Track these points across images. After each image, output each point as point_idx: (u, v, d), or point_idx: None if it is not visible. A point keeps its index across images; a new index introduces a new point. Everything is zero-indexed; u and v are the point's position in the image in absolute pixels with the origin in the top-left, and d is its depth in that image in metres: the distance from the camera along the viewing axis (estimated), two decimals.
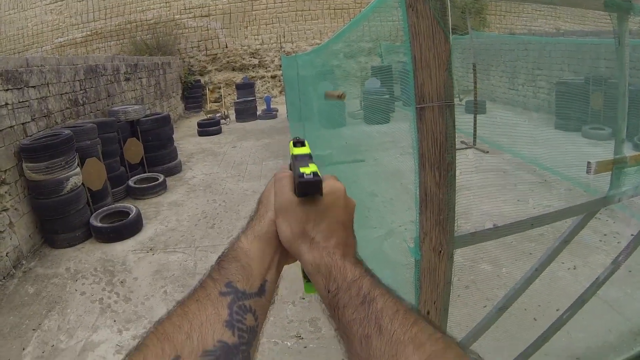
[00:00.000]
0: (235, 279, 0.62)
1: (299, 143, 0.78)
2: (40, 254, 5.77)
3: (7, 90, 5.69)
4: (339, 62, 14.77)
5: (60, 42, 19.56)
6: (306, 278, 0.68)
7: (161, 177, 8.11)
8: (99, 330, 3.97)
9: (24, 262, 5.51)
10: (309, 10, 19.11)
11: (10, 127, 5.69)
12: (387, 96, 10.76)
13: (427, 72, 1.60)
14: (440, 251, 1.79)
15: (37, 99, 6.44)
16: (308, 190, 0.66)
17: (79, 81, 8.11)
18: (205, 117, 14.67)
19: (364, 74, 15.59)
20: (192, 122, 15.24)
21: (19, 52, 19.38)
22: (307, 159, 0.73)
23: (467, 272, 4.07)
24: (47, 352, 3.76)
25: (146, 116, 9.26)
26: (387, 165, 7.58)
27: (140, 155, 8.58)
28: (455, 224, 1.79)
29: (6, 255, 5.22)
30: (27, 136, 6.03)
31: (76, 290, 4.74)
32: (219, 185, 8.05)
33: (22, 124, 5.99)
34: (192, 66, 18.84)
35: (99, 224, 6.01)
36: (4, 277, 5.10)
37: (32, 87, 6.34)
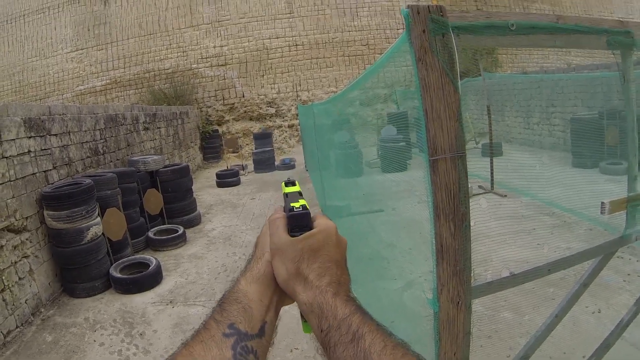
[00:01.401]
0: (237, 321, 0.68)
1: (290, 183, 0.88)
2: (59, 302, 5.92)
3: (30, 137, 6.02)
4: (355, 109, 15.03)
5: (81, 90, 20.43)
6: (304, 318, 0.74)
7: (181, 229, 8.28)
8: None
9: (42, 310, 5.66)
10: (324, 57, 19.73)
11: (33, 174, 5.97)
12: (403, 143, 10.88)
13: (439, 123, 1.67)
14: (458, 302, 1.83)
15: (58, 147, 6.76)
16: (298, 222, 0.75)
17: (100, 130, 8.47)
18: (225, 168, 14.98)
19: (380, 122, 15.80)
20: (210, 173, 15.62)
21: (40, 99, 20.28)
22: (297, 195, 0.82)
23: (488, 322, 4.07)
24: None
25: (165, 167, 9.57)
26: (404, 214, 7.62)
27: (160, 206, 8.79)
28: (472, 274, 1.86)
29: (25, 302, 5.38)
30: (48, 184, 6.30)
31: (95, 340, 4.85)
32: (239, 237, 8.17)
33: (44, 171, 6.28)
34: (209, 116, 19.38)
35: (119, 275, 6.16)
36: (22, 324, 5.24)
37: (54, 135, 6.67)
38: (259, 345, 0.68)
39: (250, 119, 19.55)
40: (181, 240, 8.10)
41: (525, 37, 1.86)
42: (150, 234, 8.05)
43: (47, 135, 6.49)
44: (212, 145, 18.72)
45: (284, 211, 0.80)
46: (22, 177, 5.74)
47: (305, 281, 0.71)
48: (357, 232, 5.82)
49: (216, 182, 13.81)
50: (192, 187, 10.00)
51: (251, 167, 15.99)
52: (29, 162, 5.94)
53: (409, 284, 5.05)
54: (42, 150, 6.28)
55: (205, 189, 13.32)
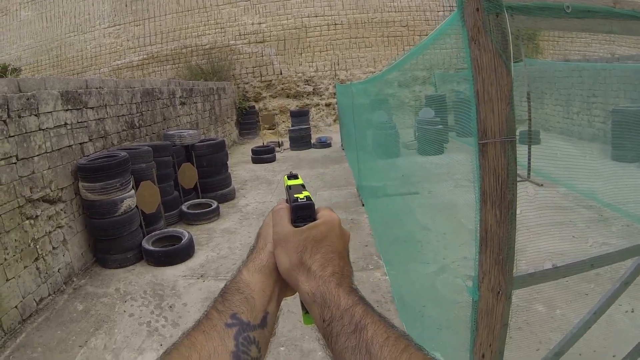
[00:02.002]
0: (240, 311, 0.67)
1: (292, 176, 0.86)
2: (91, 272, 6.02)
3: (66, 110, 6.06)
4: (393, 90, 14.85)
5: (118, 64, 20.71)
6: (305, 309, 0.72)
7: (215, 204, 8.30)
8: (144, 352, 4.07)
9: (74, 279, 5.76)
10: (363, 37, 19.46)
11: (69, 146, 6.03)
12: (440, 126, 10.71)
13: (490, 106, 1.62)
14: (499, 292, 1.79)
15: (95, 120, 6.81)
16: (302, 212, 0.75)
17: (136, 104, 8.52)
18: (261, 144, 15.02)
19: (417, 104, 15.59)
20: (246, 149, 15.66)
21: (78, 74, 20.68)
22: (301, 187, 0.81)
23: (520, 313, 3.94)
24: None
25: (201, 141, 9.59)
26: (441, 198, 7.48)
27: (194, 181, 8.82)
28: (515, 264, 1.80)
29: (58, 271, 5.48)
30: (84, 156, 6.36)
31: (125, 311, 4.90)
32: None
33: (80, 143, 6.34)
34: (246, 92, 19.40)
35: (151, 248, 6.21)
36: (54, 292, 5.35)
37: (90, 108, 6.72)
38: (261, 336, 0.67)
39: (288, 97, 19.48)
40: (214, 214, 8.11)
41: (580, 20, 1.79)
42: (184, 207, 8.08)
43: (84, 109, 6.53)
44: (248, 121, 18.76)
45: (287, 202, 0.80)
46: (58, 149, 5.79)
47: (308, 271, 0.70)
48: (393, 214, 5.75)
49: (251, 157, 13.85)
50: (228, 162, 10.01)
51: (287, 144, 15.98)
52: (65, 135, 5.99)
53: (442, 269, 4.95)
54: (78, 122, 6.33)
55: (240, 165, 13.36)
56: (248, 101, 19.15)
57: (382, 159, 8.04)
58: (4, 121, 4.84)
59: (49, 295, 5.25)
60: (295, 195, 0.77)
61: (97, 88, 7.00)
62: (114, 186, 6.01)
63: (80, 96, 6.45)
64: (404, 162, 9.35)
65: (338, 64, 19.45)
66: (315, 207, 0.77)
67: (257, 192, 9.95)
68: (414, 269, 4.74)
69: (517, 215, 1.74)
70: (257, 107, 19.17)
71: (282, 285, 0.74)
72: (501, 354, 1.87)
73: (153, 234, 6.61)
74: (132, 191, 6.38)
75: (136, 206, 6.45)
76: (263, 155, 13.70)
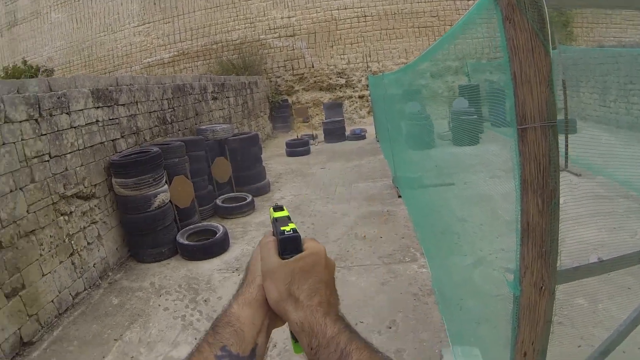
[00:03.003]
0: (229, 343, 0.69)
1: (278, 208, 0.87)
2: (126, 267, 6.05)
3: (97, 107, 6.09)
4: (426, 81, 14.64)
5: (149, 62, 20.98)
6: (294, 338, 0.74)
7: (249, 197, 8.25)
8: (179, 346, 4.02)
9: (110, 273, 5.80)
10: (394, 29, 19.18)
11: (101, 143, 6.05)
12: (475, 116, 10.48)
13: (528, 88, 1.55)
14: (542, 287, 1.72)
15: (126, 116, 6.83)
16: (289, 245, 0.77)
17: (167, 100, 8.53)
18: (294, 137, 14.98)
19: (451, 94, 15.34)
20: (279, 142, 15.62)
21: (109, 72, 20.99)
22: (287, 219, 0.83)
23: (561, 307, 3.74)
24: None
25: (234, 135, 9.56)
26: (477, 188, 7.29)
27: (228, 175, 8.80)
28: (559, 257, 1.73)
29: (93, 266, 5.53)
30: (116, 152, 6.38)
31: (159, 305, 4.88)
32: (308, 206, 8.04)
33: (112, 140, 6.36)
34: (279, 86, 19.37)
35: (186, 242, 6.19)
36: (90, 287, 5.39)
37: (121, 105, 6.74)
38: None
39: (320, 89, 19.36)
40: (249, 208, 8.06)
41: None
42: (219, 201, 8.06)
43: (115, 105, 6.55)
44: (281, 114, 18.74)
45: (274, 235, 0.81)
46: (91, 146, 5.82)
47: (296, 301, 0.72)
48: (429, 205, 5.62)
49: (286, 151, 13.80)
50: (262, 156, 9.97)
51: (321, 137, 15.87)
52: (97, 132, 6.01)
53: (479, 261, 4.78)
54: (110, 119, 6.35)
55: (274, 158, 13.32)
56: (281, 95, 19.12)
57: (417, 150, 7.95)
58: (36, 120, 4.87)
59: (85, 289, 5.29)
60: (282, 228, 0.79)
61: (127, 85, 7.02)
62: (147, 181, 6.01)
63: (111, 93, 6.47)
64: (438, 153, 9.21)
65: (370, 56, 19.23)
66: (302, 238, 0.79)
67: (292, 185, 9.87)
68: (451, 261, 4.60)
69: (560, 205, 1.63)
70: (290, 100, 19.11)
71: (272, 316, 0.76)
72: (544, 353, 1.80)
73: (187, 228, 6.59)
74: (166, 186, 6.38)
75: (170, 201, 6.44)
76: (297, 149, 13.63)
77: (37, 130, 4.84)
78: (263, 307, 0.75)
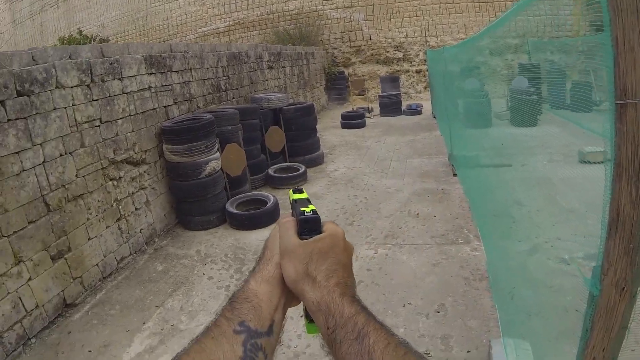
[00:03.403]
0: (248, 319, 0.68)
1: (297, 191, 0.87)
2: (173, 233, 6.05)
3: (150, 74, 6.04)
4: (485, 58, 14.08)
5: (204, 31, 21.04)
6: (308, 318, 0.74)
7: (302, 168, 8.12)
8: None
9: (156, 239, 5.82)
10: (453, 3, 18.38)
11: (153, 109, 6.01)
12: (534, 96, 10.02)
13: (631, 57, 1.33)
14: (624, 287, 1.54)
15: (179, 83, 6.77)
16: (309, 226, 0.76)
17: (222, 67, 8.44)
18: (350, 109, 14.76)
19: (510, 72, 14.72)
20: (335, 114, 15.40)
21: (164, 41, 21.05)
22: (306, 201, 0.82)
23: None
24: (166, 330, 3.85)
25: (289, 105, 9.40)
26: (534, 172, 6.96)
27: (282, 144, 8.69)
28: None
29: (140, 232, 5.54)
30: (168, 119, 6.34)
31: (204, 274, 4.82)
32: (361, 180, 7.86)
33: (165, 106, 6.32)
34: (335, 57, 19.08)
35: (235, 211, 6.11)
36: (135, 252, 5.42)
37: (175, 71, 6.68)
38: (267, 343, 0.69)
39: (377, 62, 18.94)
40: (302, 179, 7.94)
41: None
42: (271, 171, 7.98)
43: (168, 72, 6.50)
44: (337, 86, 18.48)
45: (294, 216, 0.81)
46: (143, 112, 5.79)
47: (313, 281, 0.71)
48: (485, 185, 5.37)
49: (341, 123, 13.58)
50: (316, 127, 9.82)
51: (377, 110, 15.55)
52: (149, 98, 5.97)
53: (534, 249, 4.51)
54: (162, 86, 6.30)
55: (329, 130, 13.15)
56: (337, 66, 18.85)
57: (474, 128, 7.64)
58: (88, 85, 4.86)
59: (130, 254, 5.32)
60: (302, 209, 0.78)
61: (181, 52, 6.95)
62: (199, 148, 5.94)
63: (165, 60, 6.40)
64: (496, 133, 8.87)
65: (428, 30, 18.61)
66: (321, 221, 0.79)
67: (346, 158, 9.69)
68: (506, 246, 4.36)
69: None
70: (346, 72, 18.80)
71: (288, 295, 0.76)
72: None
73: (238, 197, 6.52)
74: (217, 154, 6.30)
75: (221, 169, 6.36)
76: (353, 121, 13.39)
77: (88, 96, 4.83)
78: (280, 285, 0.74)
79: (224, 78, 8.50)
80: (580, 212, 4.64)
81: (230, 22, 20.56)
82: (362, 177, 8.05)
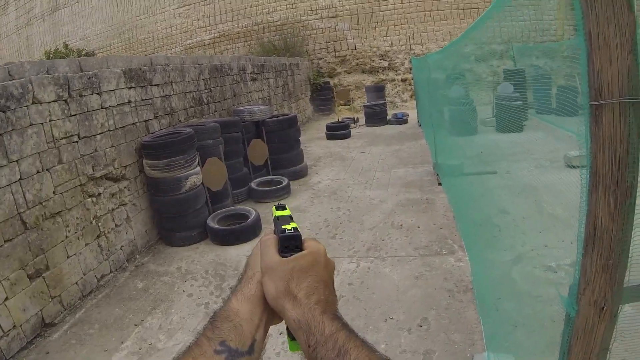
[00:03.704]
0: (228, 338, 0.68)
1: (280, 207, 0.88)
2: (154, 250, 6.03)
3: (130, 88, 6.04)
4: (470, 65, 14.17)
5: (189, 44, 21.16)
6: (290, 336, 0.74)
7: (285, 181, 8.12)
8: None
9: (137, 256, 5.80)
10: (437, 10, 18.60)
11: (133, 124, 6.01)
12: (519, 102, 10.10)
13: (606, 53, 1.26)
14: (603, 307, 1.46)
15: (160, 96, 6.77)
16: (290, 243, 0.77)
17: (204, 80, 8.45)
18: (335, 120, 14.82)
19: (495, 79, 14.86)
20: (320, 125, 15.45)
21: (150, 54, 21.12)
22: (288, 219, 0.84)
23: (622, 334, 3.38)
24: (143, 349, 3.83)
25: (272, 117, 9.41)
26: (520, 179, 7.01)
27: (264, 157, 8.70)
28: (628, 271, 1.44)
29: (120, 249, 5.52)
30: (149, 133, 6.33)
31: (184, 291, 4.81)
32: (345, 192, 7.87)
33: (145, 121, 6.32)
34: (320, 68, 19.17)
35: (216, 226, 6.10)
36: (116, 269, 5.39)
37: (155, 85, 6.68)
38: None
39: (363, 72, 19.07)
40: (285, 192, 7.93)
41: None
42: (253, 185, 7.96)
43: (148, 86, 6.50)
44: (323, 97, 18.54)
45: (275, 233, 0.82)
46: (122, 127, 5.78)
47: (294, 299, 0.72)
48: (470, 194, 5.39)
49: (326, 134, 13.61)
50: (300, 139, 9.83)
51: (362, 120, 15.62)
52: (129, 112, 5.97)
53: (519, 257, 4.52)
54: (142, 100, 6.30)
55: (314, 141, 13.18)
56: (322, 77, 18.92)
57: (459, 136, 7.67)
58: (65, 100, 4.85)
59: (111, 272, 5.28)
60: (283, 227, 0.80)
61: (162, 65, 6.95)
62: (179, 163, 5.93)
63: (145, 73, 6.41)
64: (481, 140, 8.93)
65: (413, 38, 18.80)
66: (302, 238, 0.79)
67: (330, 169, 9.69)
68: (490, 256, 4.37)
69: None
70: (331, 82, 18.88)
71: (270, 313, 0.76)
72: None
73: (219, 212, 6.50)
74: (198, 168, 6.29)
75: (202, 183, 6.36)
76: (337, 132, 13.42)
77: (66, 111, 4.82)
78: (262, 303, 0.75)
79: (206, 91, 8.51)
80: (566, 218, 4.51)
81: (215, 34, 20.65)
82: (346, 188, 8.07)
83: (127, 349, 3.84)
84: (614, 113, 1.29)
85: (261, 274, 0.76)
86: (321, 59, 19.29)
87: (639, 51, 1.24)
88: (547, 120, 10.35)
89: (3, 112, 4.01)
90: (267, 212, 6.99)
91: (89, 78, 5.23)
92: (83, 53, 17.40)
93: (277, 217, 0.85)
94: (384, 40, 18.97)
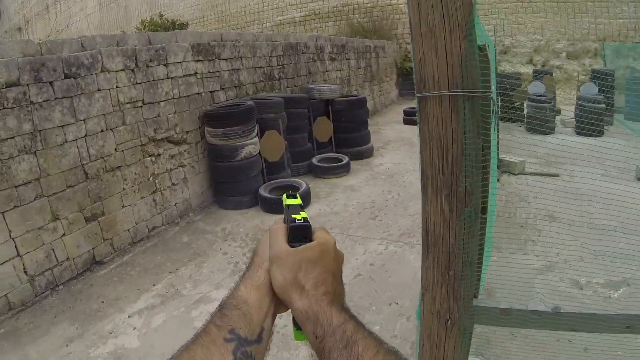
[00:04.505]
0: (238, 326, 0.69)
1: (291, 196, 0.87)
2: (207, 210, 6.62)
3: (197, 61, 6.59)
4: (560, 62, 13.47)
5: (280, 20, 21.51)
6: (296, 326, 0.74)
7: (345, 159, 8.36)
8: (220, 289, 4.38)
9: (190, 214, 6.41)
10: (529, 2, 17.70)
11: (198, 93, 6.58)
12: (602, 105, 9.56)
13: (431, 41, 1.17)
14: (448, 320, 1.39)
15: (228, 70, 7.31)
16: (299, 233, 0.76)
17: (277, 57, 8.91)
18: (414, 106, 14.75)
19: (584, 78, 14.09)
20: (402, 109, 15.38)
21: (241, 28, 21.84)
22: (299, 208, 0.82)
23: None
24: (169, 293, 4.36)
25: (341, 97, 9.67)
26: (582, 184, 6.41)
27: (329, 135, 9.00)
28: (480, 288, 1.36)
29: (175, 205, 6.17)
30: (214, 103, 6.88)
31: (221, 249, 5.32)
32: (402, 177, 7.96)
33: (211, 92, 6.88)
34: (408, 52, 18.88)
35: (266, 195, 6.53)
36: (168, 223, 6.03)
37: (223, 59, 7.21)
38: (257, 351, 0.70)
39: None
40: (344, 170, 8.19)
41: None
42: (314, 160, 8.29)
43: (216, 60, 7.03)
44: (409, 81, 18.23)
45: (285, 222, 0.81)
46: (187, 96, 6.36)
47: (302, 290, 0.72)
48: (521, 194, 5.21)
49: (403, 118, 13.59)
50: (368, 120, 10.00)
51: None
52: (195, 83, 6.53)
53: (549, 267, 4.35)
54: (209, 72, 6.85)
55: (390, 124, 13.25)
56: (410, 62, 18.69)
57: (533, 134, 7.45)
58: (132, 70, 5.45)
59: (162, 225, 5.93)
60: (293, 216, 0.79)
61: (232, 41, 7.45)
62: (236, 133, 6.40)
63: (213, 48, 6.94)
64: (555, 140, 8.55)
65: (503, 30, 18.17)
66: (312, 228, 0.79)
67: (396, 153, 9.79)
68: (519, 260, 4.14)
69: (493, 217, 1.29)
70: None
71: (277, 302, 0.76)
72: None
73: (272, 182, 6.94)
74: (256, 139, 6.74)
75: (259, 153, 6.81)
76: (414, 117, 13.22)
77: (132, 79, 5.43)
78: (270, 291, 0.75)
79: (278, 67, 8.96)
80: (615, 233, 4.14)
81: (306, 12, 20.96)
82: (404, 173, 8.16)
83: (156, 291, 4.41)
84: (441, 107, 1.19)
85: (269, 263, 0.76)
86: (409, 43, 18.94)
87: (475, 38, 1.11)
88: (632, 127, 9.72)
89: (74, 78, 4.66)
90: (322, 187, 7.36)
91: (157, 51, 5.82)
92: (177, 23, 18.28)
93: (287, 206, 0.84)
94: None
